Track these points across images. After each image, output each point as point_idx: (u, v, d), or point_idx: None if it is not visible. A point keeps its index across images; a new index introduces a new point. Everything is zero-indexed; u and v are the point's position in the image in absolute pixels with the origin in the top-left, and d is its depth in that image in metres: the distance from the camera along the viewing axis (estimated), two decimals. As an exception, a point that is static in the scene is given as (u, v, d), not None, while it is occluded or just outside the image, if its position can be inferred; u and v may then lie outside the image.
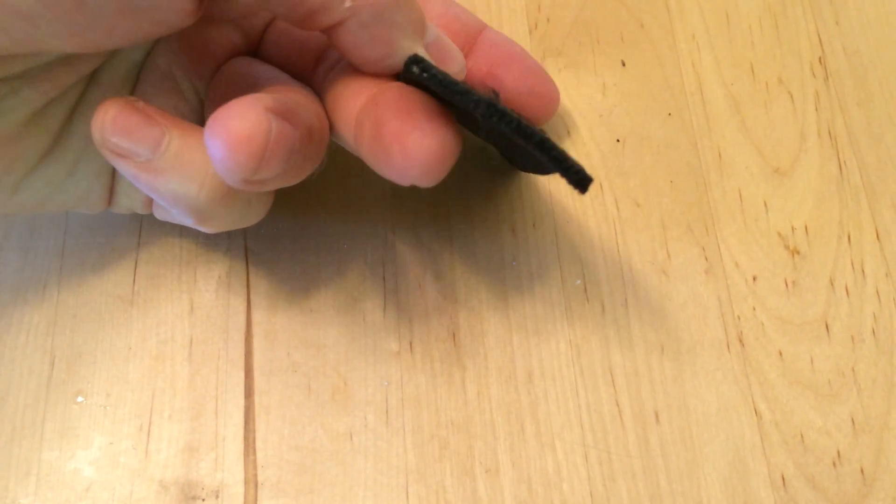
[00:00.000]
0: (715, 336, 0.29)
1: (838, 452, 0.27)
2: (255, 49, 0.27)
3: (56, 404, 0.28)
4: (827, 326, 0.29)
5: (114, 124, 0.21)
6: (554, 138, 0.29)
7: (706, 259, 0.30)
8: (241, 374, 0.29)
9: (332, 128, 0.24)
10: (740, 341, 0.29)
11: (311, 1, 0.20)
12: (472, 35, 0.29)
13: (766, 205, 0.31)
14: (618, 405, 0.28)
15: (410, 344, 0.29)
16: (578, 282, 0.30)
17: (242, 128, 0.19)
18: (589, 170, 0.24)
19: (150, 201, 0.27)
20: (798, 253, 0.30)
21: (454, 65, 0.25)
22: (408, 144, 0.20)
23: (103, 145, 0.22)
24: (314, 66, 0.26)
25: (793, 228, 0.31)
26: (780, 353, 0.29)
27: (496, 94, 0.24)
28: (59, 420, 0.28)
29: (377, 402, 0.28)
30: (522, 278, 0.30)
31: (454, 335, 0.29)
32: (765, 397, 0.28)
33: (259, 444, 0.28)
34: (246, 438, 0.28)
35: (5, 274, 0.30)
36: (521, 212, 0.31)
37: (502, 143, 0.27)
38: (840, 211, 0.31)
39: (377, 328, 0.29)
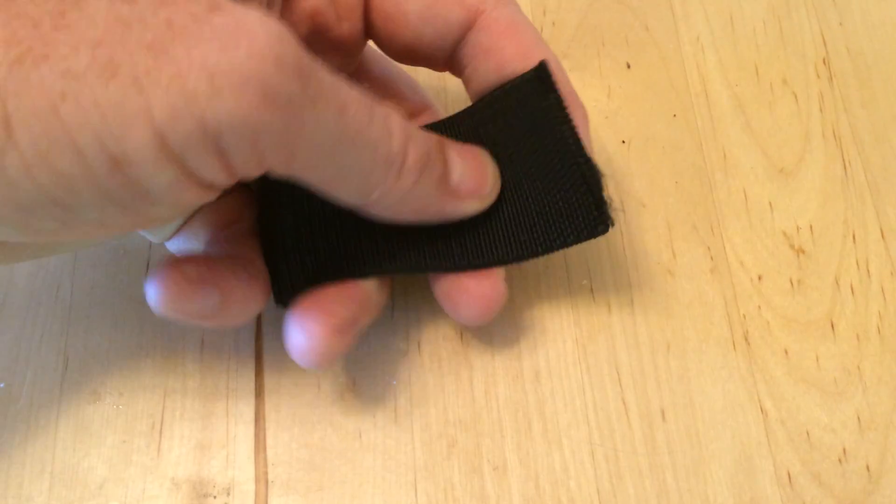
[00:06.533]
0: (721, 335, 0.29)
1: (844, 450, 0.28)
2: None
3: (70, 403, 0.28)
4: (832, 325, 0.29)
5: (168, 304, 0.23)
6: None
7: (712, 258, 0.30)
8: (252, 374, 0.29)
9: None
10: (746, 340, 0.29)
11: (341, 190, 0.22)
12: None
13: (771, 204, 0.31)
14: (624, 403, 0.28)
15: (418, 343, 0.29)
16: (585, 282, 0.30)
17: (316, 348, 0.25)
18: None
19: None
20: (803, 252, 0.31)
21: (486, 186, 0.25)
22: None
23: (160, 312, 0.24)
24: None
25: (798, 228, 0.31)
26: (786, 352, 0.29)
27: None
28: (73, 419, 0.28)
29: (386, 400, 0.29)
30: (529, 278, 0.30)
31: (461, 334, 0.29)
32: (771, 395, 0.28)
33: (269, 442, 0.28)
34: (256, 437, 0.28)
35: (19, 276, 0.30)
36: (528, 212, 0.31)
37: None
38: (845, 210, 0.31)
39: (385, 328, 0.29)
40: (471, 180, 0.25)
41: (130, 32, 0.17)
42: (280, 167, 0.20)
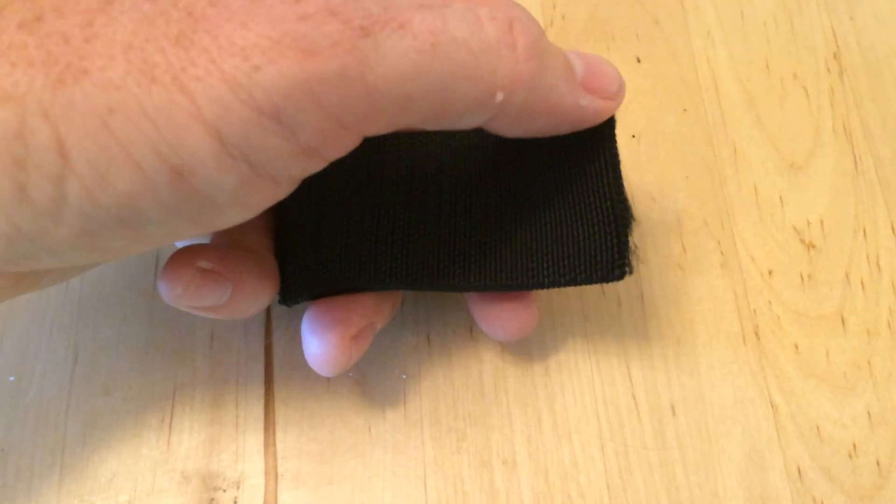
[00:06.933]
0: (731, 329, 0.29)
1: (854, 445, 0.28)
2: None
3: (80, 397, 0.28)
4: (843, 320, 0.29)
5: (180, 298, 0.23)
6: None
7: (722, 253, 0.30)
8: (261, 368, 0.29)
9: None
10: (756, 334, 0.29)
11: (460, 107, 0.20)
12: None
13: (781, 199, 0.31)
14: (634, 398, 0.28)
15: (428, 337, 0.29)
16: (594, 276, 0.30)
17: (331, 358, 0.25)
18: None
19: None
20: (813, 247, 0.30)
21: (613, 83, 0.23)
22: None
23: (173, 304, 0.23)
24: None
25: (808, 223, 0.31)
26: (796, 347, 0.29)
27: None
28: (83, 412, 0.28)
29: (395, 395, 0.29)
30: (539, 273, 0.30)
31: (471, 329, 0.29)
32: (781, 390, 0.28)
33: (279, 436, 0.28)
34: (266, 430, 0.28)
35: (29, 269, 0.30)
36: (537, 207, 0.31)
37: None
38: (855, 205, 0.31)
39: (395, 322, 0.29)
40: (595, 77, 0.23)
41: (156, 28, 0.17)
42: (368, 121, 0.19)
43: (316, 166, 0.19)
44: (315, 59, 0.17)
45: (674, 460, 0.27)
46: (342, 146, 0.19)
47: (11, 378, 0.29)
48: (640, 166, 0.32)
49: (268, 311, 0.30)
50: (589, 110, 0.23)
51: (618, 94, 0.24)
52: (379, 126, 0.19)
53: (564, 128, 0.23)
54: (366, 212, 0.25)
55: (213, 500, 0.27)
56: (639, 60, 0.34)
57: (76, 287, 0.30)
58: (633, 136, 0.32)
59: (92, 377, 0.29)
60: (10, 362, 0.29)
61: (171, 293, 0.23)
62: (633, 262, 0.24)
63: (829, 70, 0.34)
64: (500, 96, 0.20)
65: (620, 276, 0.24)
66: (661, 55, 0.34)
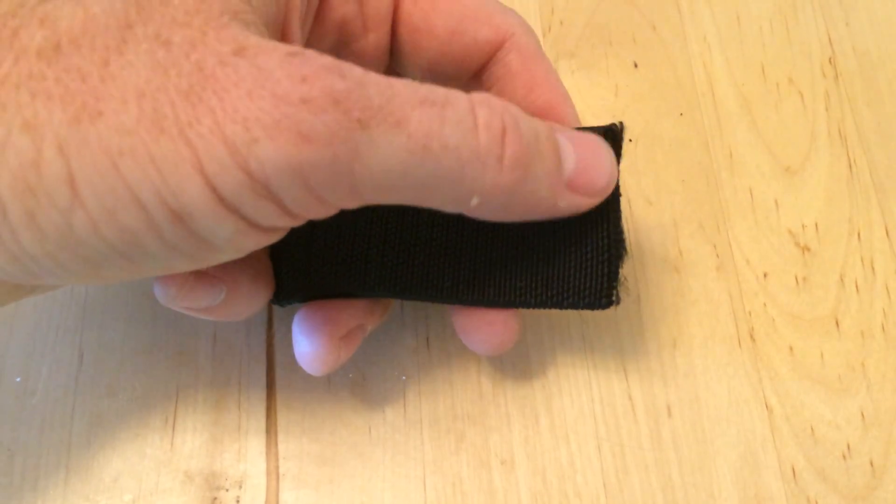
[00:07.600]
0: (726, 331, 0.30)
1: (848, 446, 0.28)
2: None
3: (85, 397, 0.29)
4: (837, 322, 0.30)
5: (176, 299, 0.23)
6: None
7: (717, 256, 0.31)
8: (263, 369, 0.29)
9: None
10: (751, 337, 0.30)
11: (437, 203, 0.21)
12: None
13: (776, 203, 0.32)
14: (630, 399, 0.29)
15: (427, 339, 0.30)
16: (592, 279, 0.30)
17: (319, 360, 0.25)
18: None
19: None
20: (808, 250, 0.31)
21: (602, 178, 0.23)
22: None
23: (167, 305, 0.24)
24: None
25: (803, 226, 0.31)
26: (791, 349, 0.29)
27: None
28: (88, 413, 0.29)
29: (395, 396, 0.29)
30: (537, 275, 0.31)
31: (470, 331, 0.30)
32: (775, 391, 0.29)
33: (281, 436, 0.28)
34: (268, 431, 0.28)
35: (35, 272, 0.31)
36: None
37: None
38: (850, 208, 0.31)
39: (394, 324, 0.30)
40: (584, 174, 0.23)
41: (168, 79, 0.17)
42: (346, 201, 0.19)
43: (300, 223, 0.20)
44: (309, 146, 0.17)
45: (669, 461, 0.28)
46: (322, 214, 0.20)
47: (18, 379, 0.29)
48: (636, 170, 0.32)
49: (269, 313, 0.30)
50: (566, 210, 0.23)
51: (604, 190, 0.23)
52: (357, 204, 0.20)
53: (539, 218, 0.23)
54: (359, 219, 0.26)
55: (215, 499, 0.27)
56: (636, 65, 0.34)
57: (81, 290, 0.31)
58: (630, 140, 0.33)
59: (97, 378, 0.29)
60: (17, 364, 0.29)
61: (166, 294, 0.23)
62: (622, 294, 0.24)
63: (824, 75, 0.34)
64: (475, 200, 0.21)
65: (607, 306, 0.24)
66: (658, 60, 0.34)
